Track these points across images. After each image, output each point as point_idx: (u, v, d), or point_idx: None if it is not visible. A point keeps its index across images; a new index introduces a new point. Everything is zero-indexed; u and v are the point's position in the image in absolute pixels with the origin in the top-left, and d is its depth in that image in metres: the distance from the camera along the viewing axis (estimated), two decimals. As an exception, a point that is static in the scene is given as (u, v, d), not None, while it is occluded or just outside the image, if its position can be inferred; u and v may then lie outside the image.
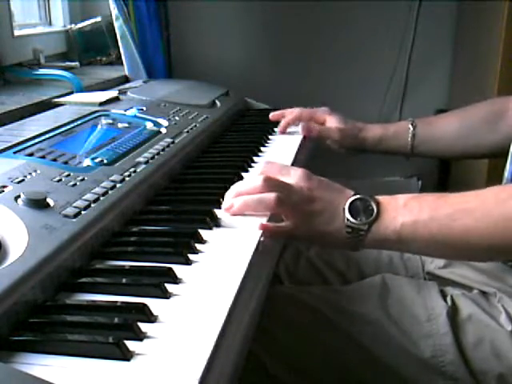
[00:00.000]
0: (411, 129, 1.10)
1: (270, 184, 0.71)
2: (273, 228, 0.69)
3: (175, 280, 0.56)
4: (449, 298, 0.81)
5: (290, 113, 1.18)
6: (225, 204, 0.72)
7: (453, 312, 0.79)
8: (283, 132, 1.17)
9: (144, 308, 0.50)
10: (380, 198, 0.70)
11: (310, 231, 0.70)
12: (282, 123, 1.17)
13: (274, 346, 0.78)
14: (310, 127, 1.13)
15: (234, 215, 0.72)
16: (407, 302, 0.81)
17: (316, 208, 0.70)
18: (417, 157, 1.13)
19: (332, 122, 1.14)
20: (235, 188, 0.73)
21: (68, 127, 0.92)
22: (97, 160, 0.78)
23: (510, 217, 0.63)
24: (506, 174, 0.89)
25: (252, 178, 0.72)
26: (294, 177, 0.73)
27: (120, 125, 0.97)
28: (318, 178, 0.73)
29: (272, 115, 1.20)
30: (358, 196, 0.70)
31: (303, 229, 0.70)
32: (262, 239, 0.67)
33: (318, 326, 0.79)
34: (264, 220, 0.70)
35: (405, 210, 0.67)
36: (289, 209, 0.70)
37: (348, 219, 0.68)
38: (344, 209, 0.69)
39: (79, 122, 0.96)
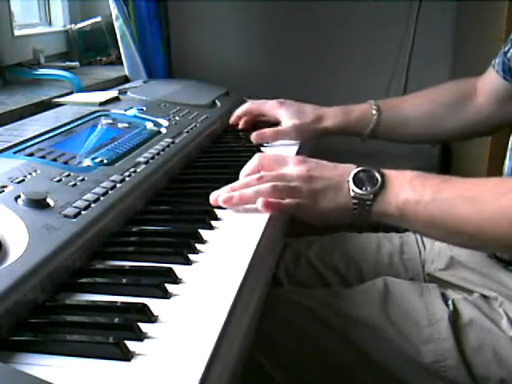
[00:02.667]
0: (376, 115, 1.06)
1: (265, 178, 0.71)
2: (276, 204, 0.69)
3: (175, 280, 0.56)
4: (450, 302, 0.80)
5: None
6: (222, 197, 0.72)
7: (454, 316, 0.78)
8: (235, 125, 1.13)
9: (144, 308, 0.50)
10: (386, 170, 0.70)
11: (316, 210, 0.70)
12: (232, 117, 1.14)
13: (273, 348, 0.78)
14: (263, 135, 1.05)
15: (232, 206, 0.72)
16: (408, 307, 0.80)
17: (317, 186, 0.70)
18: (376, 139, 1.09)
19: (285, 117, 1.06)
20: (230, 186, 0.73)
21: (68, 127, 0.92)
22: (97, 160, 0.78)
23: (504, 211, 0.63)
24: (506, 169, 0.89)
25: (246, 178, 0.73)
26: (290, 164, 0.73)
27: (120, 125, 0.97)
28: (315, 160, 0.74)
29: (231, 122, 1.16)
30: (361, 168, 0.70)
31: (308, 209, 0.70)
32: (262, 238, 0.67)
33: (318, 329, 0.79)
34: (264, 220, 0.70)
35: (409, 187, 0.67)
36: (288, 192, 0.70)
37: (353, 190, 0.68)
38: (348, 181, 0.69)
39: (79, 122, 0.96)
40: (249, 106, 1.13)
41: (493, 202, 0.64)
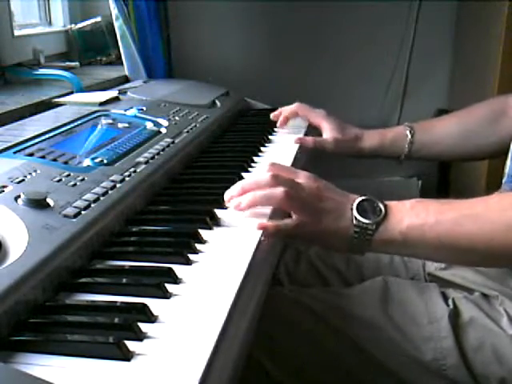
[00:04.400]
0: (409, 136, 1.08)
1: (278, 180, 0.71)
2: (273, 226, 0.69)
3: (175, 280, 0.56)
4: (450, 301, 0.80)
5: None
6: (233, 202, 0.72)
7: (454, 315, 0.78)
8: (283, 126, 1.17)
9: (144, 308, 0.50)
10: (387, 201, 0.70)
11: (317, 229, 0.70)
12: (281, 118, 1.17)
13: (273, 347, 0.78)
14: (304, 140, 1.10)
15: (242, 211, 0.71)
16: (408, 305, 0.80)
17: (325, 206, 0.70)
18: (411, 160, 1.12)
19: (328, 129, 1.11)
20: (241, 184, 0.72)
21: (68, 127, 0.92)
22: (97, 160, 0.78)
23: (511, 225, 0.64)
24: (507, 170, 0.89)
25: (259, 175, 0.72)
26: (302, 177, 0.73)
27: (120, 125, 0.97)
28: (325, 181, 0.74)
29: (272, 115, 1.20)
30: (364, 197, 0.70)
31: (310, 226, 0.70)
32: (262, 238, 0.67)
33: (317, 328, 0.79)
34: (264, 220, 0.70)
35: (411, 213, 0.68)
36: (298, 204, 0.70)
37: (356, 218, 0.68)
38: (352, 208, 0.69)
39: (79, 122, 0.96)
40: (296, 107, 1.16)
41: (497, 217, 0.65)
